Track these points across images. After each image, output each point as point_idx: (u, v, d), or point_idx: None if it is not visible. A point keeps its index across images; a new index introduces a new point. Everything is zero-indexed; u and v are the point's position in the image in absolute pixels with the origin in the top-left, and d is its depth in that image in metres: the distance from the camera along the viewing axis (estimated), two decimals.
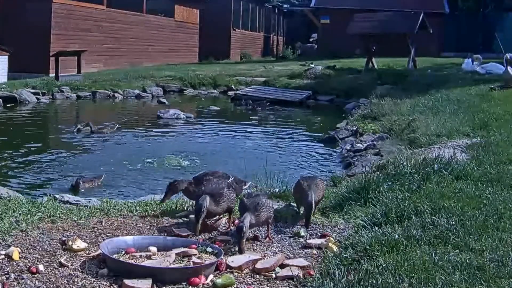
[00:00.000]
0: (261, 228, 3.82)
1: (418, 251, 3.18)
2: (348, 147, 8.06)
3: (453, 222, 3.59)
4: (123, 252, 3.29)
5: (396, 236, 3.39)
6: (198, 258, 3.25)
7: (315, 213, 4.23)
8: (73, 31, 17.88)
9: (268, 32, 35.90)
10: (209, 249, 3.34)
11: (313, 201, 3.83)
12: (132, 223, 3.92)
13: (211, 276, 3.06)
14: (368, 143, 7.86)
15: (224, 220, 3.98)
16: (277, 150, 8.78)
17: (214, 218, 3.96)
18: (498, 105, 9.33)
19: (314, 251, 3.56)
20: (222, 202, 3.78)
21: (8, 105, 12.54)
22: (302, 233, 3.83)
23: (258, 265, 3.22)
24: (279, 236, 3.82)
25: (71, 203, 4.38)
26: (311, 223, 3.87)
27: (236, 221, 3.82)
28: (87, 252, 3.36)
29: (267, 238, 3.71)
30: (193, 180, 4.20)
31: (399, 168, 5.03)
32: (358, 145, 8.05)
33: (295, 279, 3.09)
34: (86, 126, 9.66)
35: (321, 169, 7.35)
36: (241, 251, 3.34)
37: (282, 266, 3.25)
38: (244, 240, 3.39)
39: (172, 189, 4.09)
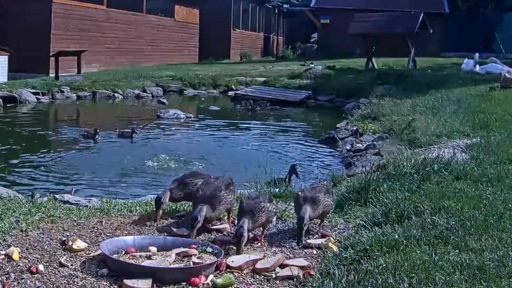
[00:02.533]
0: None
1: (418, 251, 3.18)
2: (348, 147, 8.06)
3: (453, 222, 3.59)
4: (123, 252, 3.30)
5: (396, 236, 3.39)
6: (198, 258, 3.25)
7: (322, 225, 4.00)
8: (73, 31, 17.88)
9: (268, 32, 35.88)
10: (209, 249, 3.35)
11: (306, 216, 3.59)
12: (132, 223, 3.92)
13: (211, 276, 3.06)
14: (368, 143, 7.87)
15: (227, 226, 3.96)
16: (277, 150, 8.78)
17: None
18: (498, 105, 9.33)
19: (314, 251, 3.57)
20: (219, 206, 3.78)
21: (8, 105, 12.54)
22: None
23: (258, 265, 3.22)
24: (279, 236, 3.82)
25: (71, 203, 4.38)
26: (303, 240, 3.60)
27: (231, 220, 3.87)
28: (87, 252, 3.36)
29: (259, 244, 3.64)
30: (174, 183, 4.13)
31: (399, 168, 5.03)
32: (358, 145, 8.05)
33: (295, 279, 3.09)
34: (133, 133, 9.12)
35: (321, 169, 7.35)
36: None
37: (282, 266, 3.25)
38: (243, 245, 3.38)
39: (160, 206, 3.96)
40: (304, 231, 3.59)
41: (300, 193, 3.90)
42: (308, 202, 3.72)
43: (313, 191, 3.85)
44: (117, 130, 9.39)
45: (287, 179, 5.40)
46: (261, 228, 3.71)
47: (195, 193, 3.90)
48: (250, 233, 3.70)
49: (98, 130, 8.91)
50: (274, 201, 3.84)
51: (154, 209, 4.00)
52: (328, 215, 4.00)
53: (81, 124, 11.98)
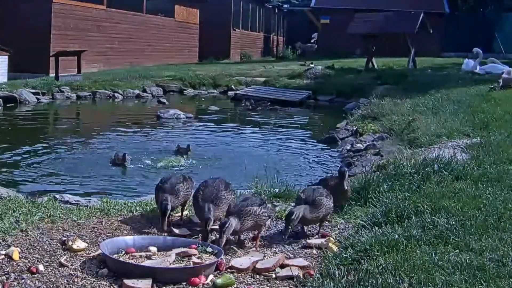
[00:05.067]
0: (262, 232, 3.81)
1: (418, 251, 3.18)
2: (348, 147, 8.06)
3: (453, 222, 3.59)
4: (123, 252, 3.30)
5: (396, 236, 3.40)
6: (198, 258, 3.25)
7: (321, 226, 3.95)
8: (73, 31, 17.88)
9: (268, 32, 35.89)
10: (209, 249, 3.35)
11: (294, 215, 3.57)
12: (132, 223, 3.92)
13: (211, 276, 3.07)
14: (368, 143, 7.86)
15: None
16: (277, 150, 8.78)
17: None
18: (498, 105, 9.33)
19: (314, 251, 3.57)
20: (222, 205, 3.78)
21: (8, 105, 12.53)
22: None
23: (259, 265, 3.23)
24: (280, 236, 3.82)
25: (71, 203, 4.38)
26: (287, 234, 3.63)
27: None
28: (87, 252, 3.36)
29: (254, 248, 3.60)
30: (161, 191, 3.94)
31: (399, 168, 5.03)
32: (358, 145, 8.05)
33: (295, 279, 3.09)
34: (188, 150, 7.97)
35: (321, 169, 7.35)
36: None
37: (282, 266, 3.25)
38: (225, 236, 3.39)
39: (167, 214, 3.79)
40: (291, 227, 3.60)
41: (301, 194, 3.90)
42: (309, 204, 3.72)
43: (315, 193, 3.83)
44: (176, 146, 8.18)
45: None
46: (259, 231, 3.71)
47: (195, 195, 3.90)
48: (241, 235, 3.69)
49: (127, 154, 7.29)
50: (267, 204, 3.76)
51: (160, 218, 3.78)
52: (328, 217, 3.99)
53: (83, 126, 11.99)
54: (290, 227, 3.61)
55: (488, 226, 3.54)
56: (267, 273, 3.17)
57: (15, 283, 2.92)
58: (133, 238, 3.48)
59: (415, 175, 4.80)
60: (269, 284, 3.07)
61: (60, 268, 3.12)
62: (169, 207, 3.77)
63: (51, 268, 3.12)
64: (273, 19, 36.64)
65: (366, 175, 4.85)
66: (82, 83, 15.29)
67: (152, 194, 4.31)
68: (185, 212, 4.18)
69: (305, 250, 3.59)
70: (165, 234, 3.72)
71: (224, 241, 3.38)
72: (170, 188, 3.94)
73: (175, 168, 7.03)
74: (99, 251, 3.27)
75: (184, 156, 7.73)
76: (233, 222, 3.43)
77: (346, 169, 4.38)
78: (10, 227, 3.58)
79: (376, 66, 19.66)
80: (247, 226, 3.56)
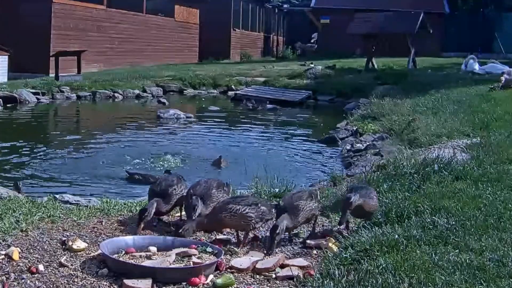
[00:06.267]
0: (260, 231, 3.81)
1: (418, 251, 3.18)
2: (348, 147, 8.06)
3: (453, 222, 3.59)
4: (123, 252, 3.30)
5: (396, 236, 3.40)
6: (198, 258, 3.25)
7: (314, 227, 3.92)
8: (73, 31, 17.87)
9: (268, 32, 35.88)
10: (209, 249, 3.35)
11: (279, 228, 3.46)
12: (132, 223, 3.92)
13: (211, 276, 3.07)
14: (368, 143, 7.86)
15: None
16: (277, 150, 8.78)
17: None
18: (498, 105, 9.33)
19: (314, 251, 3.57)
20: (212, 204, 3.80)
21: (8, 105, 12.53)
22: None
23: (259, 265, 3.23)
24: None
25: (71, 203, 4.38)
26: (274, 249, 3.48)
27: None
28: (87, 252, 3.37)
29: (240, 246, 3.59)
30: (155, 195, 3.96)
31: (399, 168, 5.04)
32: (358, 145, 8.05)
33: (295, 279, 3.09)
34: (224, 162, 7.38)
35: (321, 169, 7.35)
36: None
37: (282, 266, 3.25)
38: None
39: (143, 219, 3.76)
40: (276, 241, 3.47)
41: (280, 201, 3.85)
42: (287, 211, 3.62)
43: (292, 198, 3.73)
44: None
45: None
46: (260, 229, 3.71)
47: (187, 194, 3.90)
48: (251, 233, 3.69)
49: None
50: (261, 207, 3.70)
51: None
52: (317, 218, 3.95)
53: (83, 127, 11.99)
54: (276, 240, 3.47)
55: (488, 226, 3.55)
56: (267, 273, 3.17)
57: (15, 283, 2.92)
58: (133, 238, 3.49)
59: (415, 175, 4.80)
60: (269, 284, 3.07)
61: (60, 268, 3.12)
62: (148, 212, 3.76)
63: (51, 268, 3.12)
64: (273, 19, 36.62)
65: (366, 175, 4.85)
66: (82, 83, 15.28)
67: None
68: (183, 212, 4.18)
69: (305, 250, 3.59)
70: (165, 234, 3.73)
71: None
72: (162, 192, 3.95)
73: (174, 169, 7.03)
74: (99, 251, 3.27)
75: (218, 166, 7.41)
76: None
77: (352, 197, 3.71)
78: (10, 227, 3.58)
79: (376, 66, 19.66)
80: (224, 221, 3.58)
